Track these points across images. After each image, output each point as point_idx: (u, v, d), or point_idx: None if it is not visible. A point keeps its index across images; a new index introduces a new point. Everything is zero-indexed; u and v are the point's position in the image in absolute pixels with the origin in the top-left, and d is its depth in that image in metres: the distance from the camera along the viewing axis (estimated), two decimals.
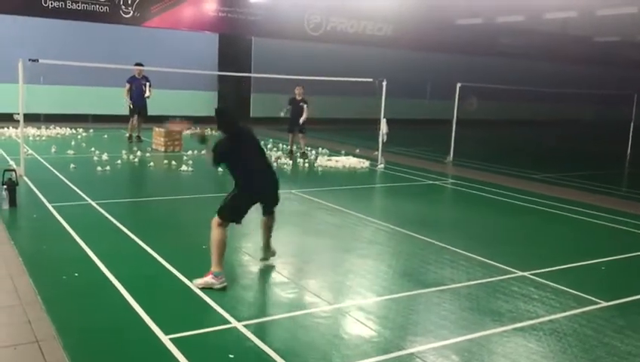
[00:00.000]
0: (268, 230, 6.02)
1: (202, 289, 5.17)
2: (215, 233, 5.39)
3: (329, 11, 23.17)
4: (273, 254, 6.14)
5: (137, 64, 14.68)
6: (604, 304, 5.31)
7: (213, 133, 8.36)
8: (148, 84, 15.06)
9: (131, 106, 14.95)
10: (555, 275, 6.02)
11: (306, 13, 22.88)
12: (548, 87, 24.61)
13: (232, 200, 5.53)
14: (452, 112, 14.67)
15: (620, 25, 24.03)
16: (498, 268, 6.17)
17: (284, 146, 14.97)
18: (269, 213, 5.97)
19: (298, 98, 13.63)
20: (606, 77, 29.99)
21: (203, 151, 6.25)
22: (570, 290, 5.59)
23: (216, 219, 5.45)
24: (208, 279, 5.25)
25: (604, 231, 8.33)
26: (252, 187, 5.57)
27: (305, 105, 13.54)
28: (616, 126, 20.18)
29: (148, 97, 15.04)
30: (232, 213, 5.49)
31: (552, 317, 4.96)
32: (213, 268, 5.28)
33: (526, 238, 7.80)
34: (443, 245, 6.97)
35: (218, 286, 5.23)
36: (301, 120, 13.50)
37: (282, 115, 13.82)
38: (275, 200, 5.93)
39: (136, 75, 14.96)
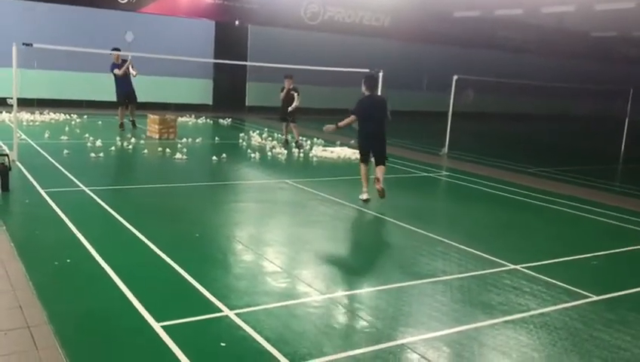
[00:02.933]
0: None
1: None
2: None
3: (326, 0, 23.06)
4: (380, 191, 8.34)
5: (115, 49, 14.40)
6: (595, 298, 5.34)
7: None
8: (131, 65, 14.66)
9: (132, 73, 14.64)
10: (546, 269, 6.05)
11: (304, 2, 22.77)
12: (545, 81, 24.64)
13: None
14: (448, 105, 14.66)
15: (618, 20, 24.01)
16: (490, 261, 6.20)
17: (279, 136, 14.94)
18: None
19: (289, 88, 13.71)
20: (604, 72, 30.02)
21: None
22: (562, 284, 5.62)
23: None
24: (364, 194, 8.47)
25: (596, 226, 8.37)
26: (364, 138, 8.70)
27: (295, 94, 13.58)
28: (612, 121, 20.24)
29: (134, 75, 14.65)
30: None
31: (543, 310, 4.98)
32: (363, 188, 8.55)
33: (519, 231, 7.83)
34: (436, 237, 6.98)
35: (364, 198, 8.48)
36: (290, 108, 13.56)
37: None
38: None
39: (115, 61, 14.65)
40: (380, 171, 8.48)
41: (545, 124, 26.57)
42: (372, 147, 8.64)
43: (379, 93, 9.56)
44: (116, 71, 14.49)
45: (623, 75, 27.75)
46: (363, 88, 8.64)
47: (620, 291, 5.59)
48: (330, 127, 8.63)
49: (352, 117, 8.50)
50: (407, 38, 25.11)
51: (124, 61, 14.56)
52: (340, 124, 8.55)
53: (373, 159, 8.80)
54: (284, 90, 13.81)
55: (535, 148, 18.35)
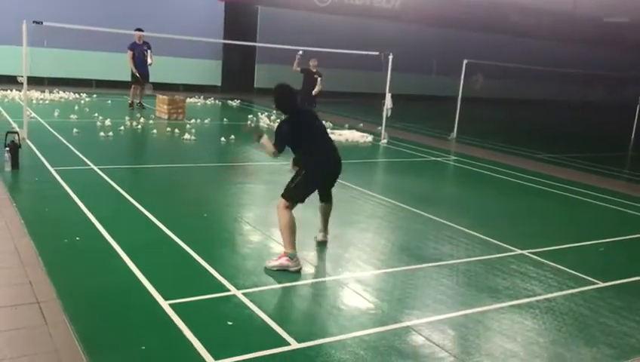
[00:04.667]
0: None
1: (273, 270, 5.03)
2: (282, 216, 5.20)
3: None
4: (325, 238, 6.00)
5: (138, 29, 14.49)
6: (602, 284, 5.33)
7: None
8: (149, 51, 14.83)
9: (138, 75, 14.77)
10: (553, 254, 6.05)
11: None
12: (556, 67, 24.40)
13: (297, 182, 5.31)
14: (457, 89, 14.58)
15: (632, 5, 23.70)
16: (497, 246, 6.20)
17: None
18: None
19: (313, 70, 13.12)
20: (617, 59, 29.70)
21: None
22: (568, 270, 5.61)
23: (282, 202, 5.25)
24: (283, 261, 5.07)
25: (604, 213, 8.34)
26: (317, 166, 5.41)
27: (319, 78, 13.04)
28: (624, 108, 20.06)
29: (150, 65, 14.85)
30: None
31: (549, 295, 4.99)
32: (287, 250, 5.11)
33: (526, 217, 7.81)
34: (443, 221, 6.98)
35: (293, 269, 5.06)
36: (314, 91, 13.02)
37: (300, 54, 13.06)
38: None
39: (137, 41, 14.73)
40: (328, 210, 5.97)
41: (555, 110, 26.36)
42: (328, 183, 5.80)
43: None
44: (129, 54, 14.57)
45: (635, 62, 27.50)
46: (282, 108, 5.54)
47: (627, 278, 5.58)
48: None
49: (272, 148, 5.31)
50: (417, 21, 24.90)
51: (145, 42, 14.72)
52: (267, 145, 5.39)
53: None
54: (308, 71, 13.15)
55: (545, 134, 18.24)
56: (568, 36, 28.55)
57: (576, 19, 28.05)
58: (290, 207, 5.28)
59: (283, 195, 5.28)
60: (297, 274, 5.04)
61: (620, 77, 26.78)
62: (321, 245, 5.91)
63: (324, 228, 6.00)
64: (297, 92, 5.79)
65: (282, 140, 5.30)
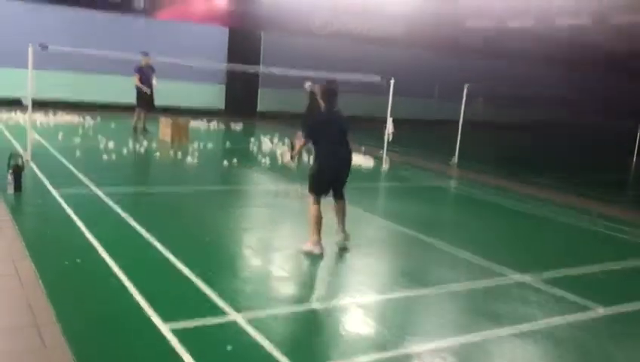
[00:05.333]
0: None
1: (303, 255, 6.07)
2: (310, 210, 6.33)
3: (339, 9, 23.15)
4: (347, 238, 6.56)
5: (144, 53, 14.66)
6: (602, 310, 5.31)
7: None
8: (154, 75, 14.95)
9: (148, 92, 14.81)
10: (554, 280, 6.03)
11: (316, 11, 22.88)
12: (560, 92, 24.51)
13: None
14: (459, 113, 14.65)
15: (633, 33, 23.91)
16: (498, 271, 6.18)
17: (290, 141, 14.96)
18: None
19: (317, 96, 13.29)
20: (618, 87, 29.87)
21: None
22: (569, 295, 5.59)
23: (310, 197, 6.34)
24: (308, 246, 6.20)
25: (606, 239, 8.32)
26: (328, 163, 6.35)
27: (322, 102, 13.22)
28: (627, 134, 20.13)
29: (155, 87, 14.95)
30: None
31: (550, 321, 4.96)
32: (311, 237, 6.21)
33: (527, 242, 7.80)
34: (444, 246, 6.98)
35: (317, 252, 6.15)
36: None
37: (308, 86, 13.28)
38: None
39: (143, 65, 14.88)
40: (341, 209, 6.58)
41: (558, 135, 26.43)
42: (339, 180, 6.51)
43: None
44: (135, 77, 14.66)
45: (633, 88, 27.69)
46: (320, 100, 6.59)
47: (628, 304, 5.56)
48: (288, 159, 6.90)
49: (303, 140, 6.41)
50: (416, 47, 25.16)
51: (150, 67, 14.82)
52: (293, 153, 6.71)
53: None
54: (312, 96, 13.34)
55: (547, 159, 18.27)
56: (571, 62, 28.78)
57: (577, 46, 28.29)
58: (315, 201, 6.30)
59: (308, 188, 6.38)
60: (310, 292, 5.03)
61: (622, 103, 26.90)
62: (324, 261, 5.91)
63: (342, 228, 6.57)
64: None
65: (310, 132, 6.36)
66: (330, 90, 6.55)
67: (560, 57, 28.58)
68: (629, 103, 27.03)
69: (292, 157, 6.76)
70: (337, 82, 6.63)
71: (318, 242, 6.20)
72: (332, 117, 6.50)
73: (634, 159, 17.35)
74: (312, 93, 12.94)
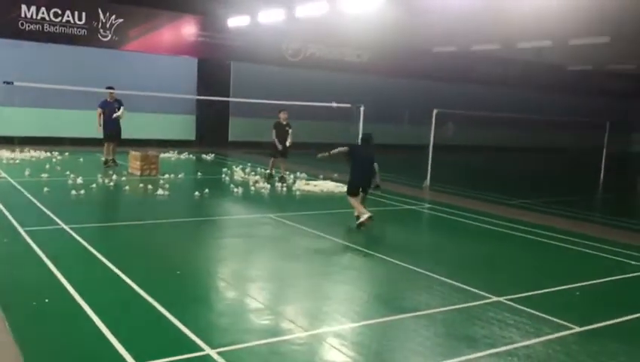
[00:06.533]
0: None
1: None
2: (349, 200, 9.53)
3: (308, 38, 23.40)
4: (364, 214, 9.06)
5: (109, 87, 14.50)
6: (578, 329, 5.34)
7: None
8: (122, 107, 14.69)
9: (101, 131, 14.63)
10: (530, 300, 6.06)
11: (286, 39, 23.08)
12: (524, 114, 25.03)
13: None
14: (429, 138, 14.82)
15: (593, 54, 24.62)
16: (474, 294, 6.19)
17: (262, 170, 14.96)
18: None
19: (283, 123, 13.65)
20: (581, 105, 30.63)
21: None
22: (545, 316, 5.62)
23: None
24: (362, 218, 9.01)
25: (578, 257, 8.42)
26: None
27: (290, 130, 13.62)
28: (591, 153, 20.58)
29: (119, 117, 14.63)
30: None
31: (527, 342, 4.97)
32: (360, 211, 9.16)
33: (501, 263, 7.85)
34: (419, 270, 6.97)
35: (368, 216, 8.97)
36: (288, 143, 13.55)
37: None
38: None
39: (109, 100, 14.67)
40: (363, 199, 9.57)
41: (525, 156, 26.90)
42: (363, 189, 9.57)
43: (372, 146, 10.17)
44: (98, 111, 14.43)
45: (601, 108, 28.40)
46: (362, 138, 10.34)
47: (603, 322, 5.60)
48: (324, 154, 9.58)
49: (345, 149, 9.48)
50: (387, 73, 25.52)
51: (117, 100, 14.58)
52: (333, 151, 9.45)
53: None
54: (279, 125, 13.68)
55: (516, 180, 18.54)
56: (535, 84, 29.46)
57: (541, 67, 28.99)
58: (352, 197, 9.44)
59: (346, 192, 9.73)
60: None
61: (586, 122, 27.52)
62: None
63: (364, 206, 9.35)
64: None
65: (348, 147, 9.56)
66: (364, 137, 10.25)
67: (523, 79, 29.27)
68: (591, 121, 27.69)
69: (329, 154, 9.49)
70: (371, 135, 10.04)
71: (364, 211, 9.08)
72: (365, 152, 9.61)
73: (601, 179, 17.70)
74: (278, 123, 13.41)
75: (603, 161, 17.84)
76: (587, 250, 8.65)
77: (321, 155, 9.66)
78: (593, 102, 31.35)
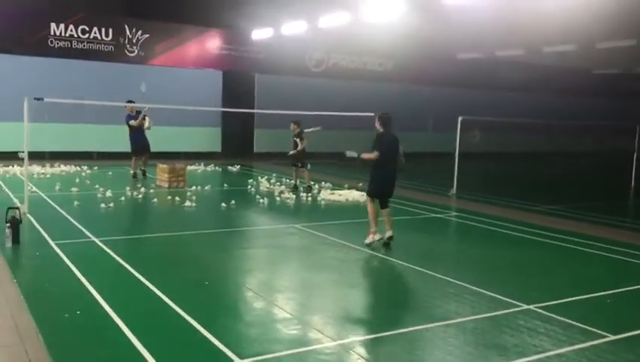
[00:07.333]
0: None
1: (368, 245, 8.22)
2: (367, 206, 8.46)
3: (330, 48, 23.49)
4: (392, 237, 8.31)
5: (129, 101, 14.66)
6: (612, 337, 5.23)
7: None
8: (146, 117, 14.77)
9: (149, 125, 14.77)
10: (561, 308, 5.96)
11: (308, 50, 23.21)
12: (550, 119, 24.72)
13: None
14: (454, 145, 14.73)
15: (619, 57, 24.27)
16: (503, 302, 6.11)
17: (288, 181, 15.01)
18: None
19: (294, 133, 13.90)
20: (608, 109, 30.16)
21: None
22: (577, 323, 5.52)
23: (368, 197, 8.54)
24: (370, 237, 8.26)
25: (609, 263, 8.26)
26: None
27: (298, 140, 13.73)
28: (620, 157, 20.21)
29: (148, 128, 14.75)
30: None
31: (560, 351, 4.88)
32: (371, 229, 8.31)
33: (531, 271, 7.73)
34: (448, 279, 6.91)
35: (377, 238, 8.24)
36: (297, 150, 13.70)
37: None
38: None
39: (130, 113, 14.78)
40: (387, 216, 8.44)
41: (553, 161, 26.55)
42: (386, 191, 8.50)
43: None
44: (132, 122, 14.57)
45: (630, 111, 27.90)
46: (377, 125, 8.42)
47: (637, 330, 5.48)
48: (352, 153, 8.57)
49: (376, 154, 8.22)
50: (410, 81, 25.45)
51: (139, 112, 14.70)
52: (364, 156, 8.35)
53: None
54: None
55: (544, 186, 18.28)
56: (560, 88, 29.12)
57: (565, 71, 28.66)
58: (371, 200, 8.40)
59: (366, 193, 8.65)
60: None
61: (612, 126, 27.09)
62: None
63: (390, 227, 8.37)
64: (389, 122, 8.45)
65: (380, 146, 8.25)
66: (383, 118, 8.44)
67: (548, 84, 28.95)
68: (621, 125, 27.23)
69: (360, 157, 8.39)
70: (389, 114, 8.61)
71: (376, 231, 8.26)
72: (391, 138, 8.38)
73: (632, 184, 17.36)
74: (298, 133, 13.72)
75: (634, 165, 17.48)
76: (617, 256, 8.48)
77: (349, 155, 8.62)
78: (620, 105, 30.83)
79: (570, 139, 29.45)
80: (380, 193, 8.43)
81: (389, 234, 8.30)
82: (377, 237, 8.26)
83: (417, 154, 23.93)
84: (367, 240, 8.32)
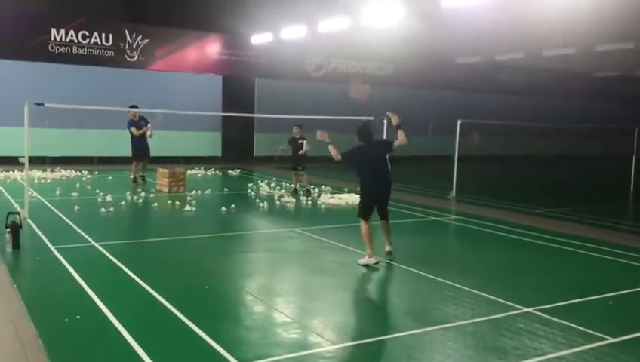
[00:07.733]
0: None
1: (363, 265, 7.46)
2: (361, 227, 7.65)
3: (330, 52, 23.52)
4: (390, 253, 7.88)
5: (132, 106, 14.75)
6: (612, 340, 5.23)
7: None
8: (149, 124, 14.98)
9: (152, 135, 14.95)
10: (560, 311, 5.96)
11: (308, 55, 23.24)
12: (550, 122, 24.75)
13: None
14: (454, 148, 14.74)
15: (618, 60, 24.30)
16: (503, 305, 6.12)
17: (287, 185, 15.03)
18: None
19: (297, 137, 13.85)
20: (608, 112, 30.18)
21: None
22: (577, 326, 5.52)
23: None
24: (366, 259, 7.47)
25: (609, 266, 8.26)
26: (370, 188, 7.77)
27: (304, 141, 13.74)
28: (620, 160, 20.20)
29: (151, 137, 14.95)
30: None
31: (559, 354, 4.89)
32: (367, 251, 7.51)
33: (530, 274, 7.74)
34: (447, 282, 6.92)
35: (372, 263, 7.43)
36: (300, 152, 13.71)
37: (280, 150, 14.14)
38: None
39: (133, 118, 14.91)
40: (385, 227, 7.99)
41: (552, 164, 26.55)
42: (379, 203, 7.85)
43: (379, 138, 8.76)
44: (133, 130, 14.71)
45: (629, 115, 27.91)
46: (360, 138, 7.96)
47: (638, 332, 5.48)
48: (324, 134, 8.14)
49: (339, 157, 7.92)
50: (410, 85, 25.47)
51: (142, 118, 14.84)
52: (330, 148, 8.03)
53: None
54: (294, 140, 13.95)
55: (543, 188, 18.29)
56: (561, 91, 29.15)
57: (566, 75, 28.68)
58: (365, 219, 7.63)
59: (357, 214, 7.82)
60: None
61: (613, 129, 27.10)
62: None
63: (388, 241, 7.97)
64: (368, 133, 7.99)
65: (348, 154, 7.93)
66: (357, 130, 7.94)
67: (549, 87, 28.98)
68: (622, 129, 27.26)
69: (328, 145, 8.03)
70: (369, 123, 8.60)
71: (372, 254, 7.51)
72: (370, 149, 7.80)
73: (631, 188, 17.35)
74: (292, 138, 13.73)
75: (633, 168, 17.47)
76: (617, 259, 8.48)
77: (320, 135, 8.21)
78: (621, 108, 30.85)
79: (577, 143, 29.41)
80: (370, 208, 7.75)
81: (387, 249, 7.93)
82: (373, 261, 7.47)
83: (417, 157, 24.05)
84: (361, 261, 7.56)
